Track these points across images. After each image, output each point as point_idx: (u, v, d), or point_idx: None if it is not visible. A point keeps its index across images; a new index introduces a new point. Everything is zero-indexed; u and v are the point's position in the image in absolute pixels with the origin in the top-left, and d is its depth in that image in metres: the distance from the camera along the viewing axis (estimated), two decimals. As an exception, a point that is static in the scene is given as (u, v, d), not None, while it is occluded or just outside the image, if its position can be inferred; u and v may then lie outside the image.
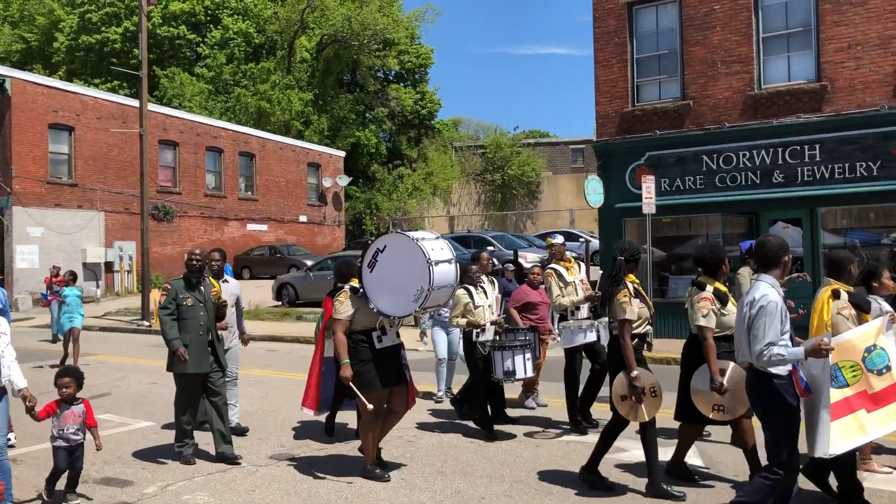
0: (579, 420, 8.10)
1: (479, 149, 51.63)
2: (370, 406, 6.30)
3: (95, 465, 7.00)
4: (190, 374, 6.99)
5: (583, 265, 8.84)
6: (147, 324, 20.02)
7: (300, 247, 33.27)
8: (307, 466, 6.93)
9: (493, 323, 7.94)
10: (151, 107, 30.24)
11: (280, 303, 22.24)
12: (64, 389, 5.91)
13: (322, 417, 8.08)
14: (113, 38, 43.66)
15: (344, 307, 6.48)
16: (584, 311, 8.24)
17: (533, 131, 65.99)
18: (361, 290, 6.49)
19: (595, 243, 30.75)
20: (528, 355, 7.78)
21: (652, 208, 14.42)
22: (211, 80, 42.37)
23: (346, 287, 6.69)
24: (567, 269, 8.29)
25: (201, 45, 44.81)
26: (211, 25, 45.46)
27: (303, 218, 37.38)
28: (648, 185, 14.42)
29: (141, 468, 6.96)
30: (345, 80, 49.05)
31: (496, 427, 8.00)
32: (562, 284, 8.20)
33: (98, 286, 28.19)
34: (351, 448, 7.52)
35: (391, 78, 52.10)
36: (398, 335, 6.71)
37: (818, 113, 14.18)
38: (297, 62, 44.28)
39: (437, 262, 6.30)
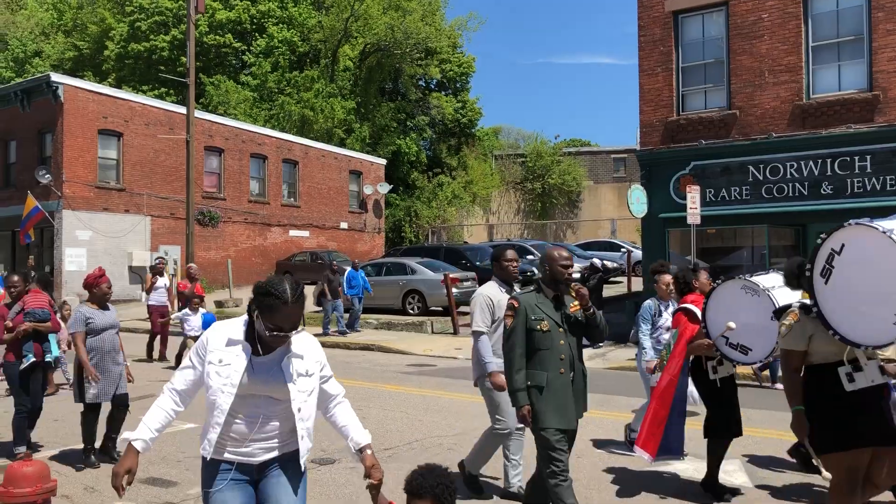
0: None
1: (520, 157, 51.62)
2: (833, 475, 4.46)
3: (140, 465, 7.09)
4: None
5: None
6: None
7: (340, 253, 33.49)
8: (347, 472, 6.95)
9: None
10: (198, 114, 30.78)
11: (320, 308, 22.37)
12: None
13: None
14: (161, 45, 44.57)
15: (795, 334, 4.59)
16: None
17: (574, 140, 65.78)
18: (815, 308, 4.48)
19: (637, 254, 30.45)
20: None
21: (697, 219, 14.23)
22: (256, 88, 42.98)
23: (795, 305, 4.77)
24: None
25: (247, 53, 45.52)
26: (256, 34, 46.16)
27: (344, 225, 37.67)
28: (693, 196, 14.24)
29: (185, 469, 7.04)
30: (387, 88, 49.41)
31: None
32: None
33: (143, 289, 28.67)
34: (392, 454, 7.52)
35: (433, 86, 52.35)
36: (881, 371, 4.55)
37: (869, 123, 13.87)
38: (340, 70, 44.74)
39: None
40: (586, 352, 15.02)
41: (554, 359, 4.83)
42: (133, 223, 28.32)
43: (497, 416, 5.93)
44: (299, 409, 3.39)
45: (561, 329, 4.88)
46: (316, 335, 17.40)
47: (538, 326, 4.84)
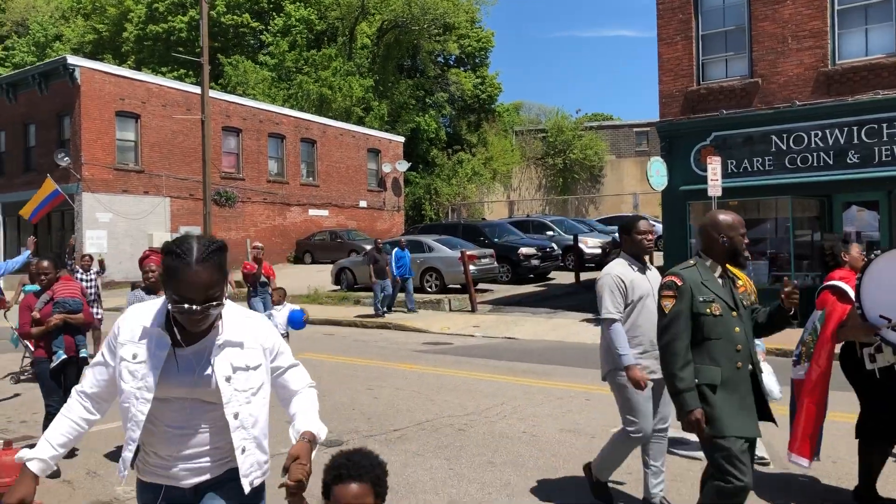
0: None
1: (540, 133, 51.06)
2: None
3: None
4: None
5: None
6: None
7: (360, 232, 33.42)
8: (355, 453, 6.81)
9: None
10: (214, 94, 30.70)
11: (338, 287, 22.32)
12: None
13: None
14: (179, 27, 44.49)
15: None
16: None
17: (596, 115, 64.93)
18: None
19: (658, 228, 30.09)
20: None
21: (718, 191, 13.86)
22: (274, 68, 42.82)
23: None
24: None
25: (264, 32, 45.31)
26: (274, 13, 45.93)
27: (363, 203, 37.56)
28: (714, 167, 13.86)
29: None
30: (405, 65, 49.00)
31: None
32: None
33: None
34: (401, 434, 7.37)
35: (451, 63, 51.83)
36: None
37: (898, 89, 13.38)
38: (358, 48, 44.41)
39: None
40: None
41: (729, 350, 3.93)
42: (153, 205, 28.39)
43: (630, 418, 5.07)
44: (236, 415, 2.61)
45: (735, 313, 3.99)
46: (364, 316, 17.35)
47: (708, 310, 3.93)
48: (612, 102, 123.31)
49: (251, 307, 12.32)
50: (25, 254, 9.71)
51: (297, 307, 10.13)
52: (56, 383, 6.61)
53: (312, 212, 34.58)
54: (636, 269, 5.10)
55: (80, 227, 26.34)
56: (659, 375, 4.72)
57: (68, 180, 25.81)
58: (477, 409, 8.45)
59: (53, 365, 6.53)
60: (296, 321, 9.93)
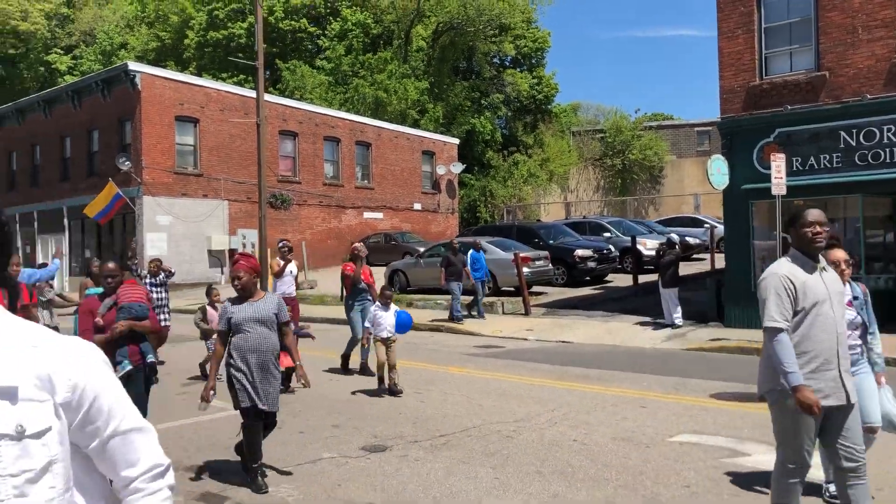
0: None
1: (598, 133, 50.32)
2: None
3: (188, 452, 6.94)
4: None
5: None
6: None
7: (414, 234, 33.32)
8: (398, 460, 6.60)
9: None
10: (271, 98, 31.02)
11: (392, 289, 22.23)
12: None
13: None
14: (238, 33, 45.19)
15: None
16: None
17: (656, 114, 63.75)
18: None
19: (721, 229, 29.14)
20: None
21: (782, 189, 13.24)
22: (330, 72, 43.12)
23: None
24: None
25: (321, 37, 45.69)
26: (330, 18, 46.27)
27: (417, 206, 37.50)
28: (778, 165, 13.25)
29: (233, 456, 6.83)
30: (460, 67, 48.84)
31: None
32: None
33: (222, 272, 29.21)
34: (446, 441, 7.14)
35: (507, 63, 51.48)
36: None
37: (978, 80, 12.58)
38: (414, 51, 44.43)
39: None
40: (662, 333, 14.30)
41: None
42: (211, 207, 28.79)
43: (786, 449, 4.24)
44: None
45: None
46: (438, 321, 16.75)
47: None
48: (672, 102, 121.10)
49: (350, 319, 11.17)
50: (55, 264, 9.81)
51: (402, 309, 10.13)
52: None
53: (367, 214, 34.65)
54: (808, 269, 4.21)
55: (141, 230, 26.85)
56: (834, 401, 4.07)
57: (129, 184, 26.37)
58: (527, 416, 8.16)
59: (118, 375, 6.11)
60: (405, 324, 9.88)
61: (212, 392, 5.90)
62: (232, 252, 29.49)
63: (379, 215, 35.14)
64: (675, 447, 6.89)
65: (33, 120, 32.46)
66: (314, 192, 32.38)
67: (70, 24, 60.00)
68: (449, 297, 17.14)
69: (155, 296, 11.54)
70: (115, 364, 5.72)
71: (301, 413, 8.44)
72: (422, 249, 24.46)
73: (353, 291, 11.23)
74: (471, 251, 17.46)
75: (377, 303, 9.90)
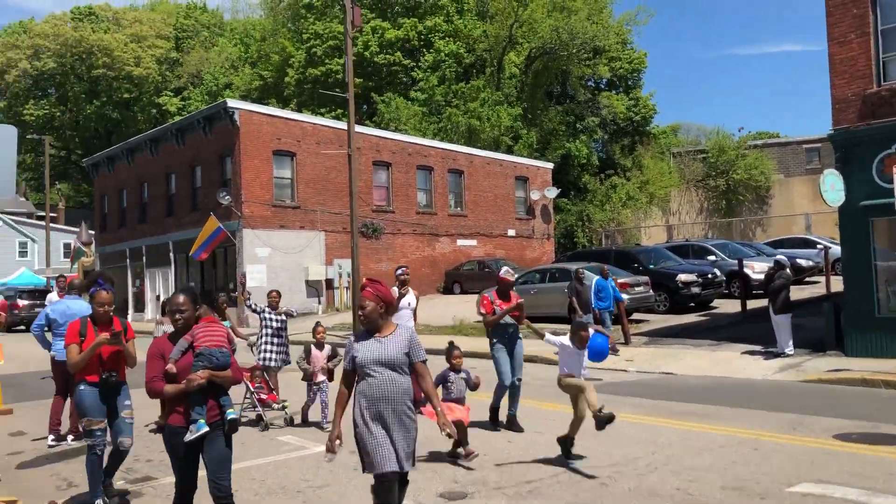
0: None
1: (700, 154, 48.56)
2: None
3: (258, 495, 6.61)
4: None
5: None
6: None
7: (508, 261, 32.75)
8: (480, 508, 6.05)
9: None
10: (364, 129, 31.37)
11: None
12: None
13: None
14: (335, 69, 46.19)
15: None
16: None
17: (761, 133, 61.27)
18: None
19: (836, 250, 27.31)
20: None
21: (908, 205, 12.03)
22: (424, 103, 43.38)
23: None
24: None
25: (415, 69, 46.12)
26: (424, 50, 46.70)
27: (511, 232, 36.98)
28: (902, 178, 12.05)
29: (301, 502, 6.44)
30: (554, 92, 48.30)
31: None
32: None
33: (319, 302, 29.48)
34: (533, 488, 6.54)
35: (602, 86, 50.62)
36: None
37: None
38: (507, 78, 44.22)
39: None
40: (774, 363, 13.20)
41: None
42: (308, 239, 29.15)
43: None
44: None
45: None
46: (532, 352, 16.40)
47: None
48: (777, 121, 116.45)
49: (494, 360, 9.17)
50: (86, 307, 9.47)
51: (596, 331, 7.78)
52: (192, 461, 4.86)
53: (461, 241, 34.38)
54: None
55: (241, 261, 27.41)
56: None
57: (230, 217, 27.01)
58: (624, 459, 7.46)
59: (190, 438, 4.73)
60: (600, 352, 7.65)
61: (338, 442, 4.74)
62: (329, 282, 29.76)
63: (473, 242, 34.81)
64: (795, 500, 6.06)
65: (142, 159, 33.92)
66: (408, 221, 32.38)
67: (179, 67, 63.05)
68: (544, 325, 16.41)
69: (274, 332, 10.55)
70: (190, 422, 4.77)
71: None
72: (515, 276, 23.85)
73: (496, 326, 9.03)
74: (596, 278, 16.51)
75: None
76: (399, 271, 10.61)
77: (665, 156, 50.15)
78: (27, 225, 54.97)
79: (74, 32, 59.28)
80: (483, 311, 9.03)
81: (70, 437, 9.16)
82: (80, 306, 9.07)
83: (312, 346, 9.74)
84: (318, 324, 10.06)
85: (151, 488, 6.98)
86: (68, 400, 9.19)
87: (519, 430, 8.91)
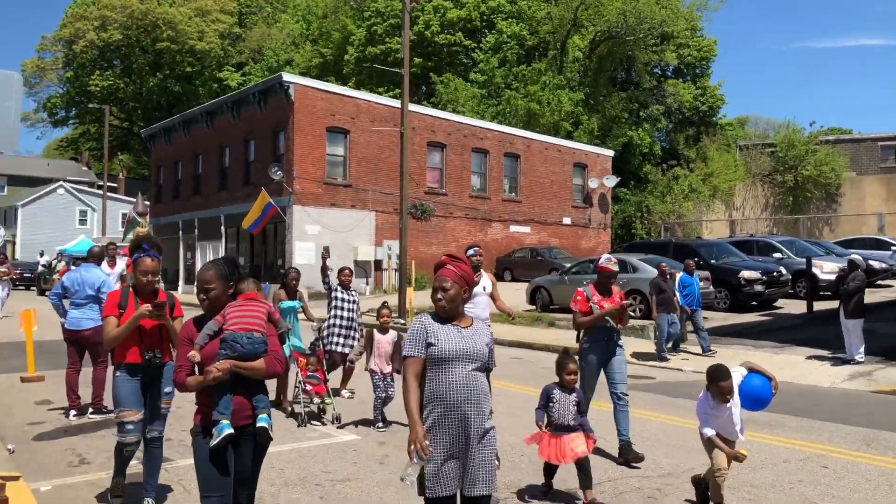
0: None
1: (768, 147, 46.76)
2: None
3: (274, 486, 6.11)
4: None
5: None
6: (402, 321, 19.84)
7: (562, 250, 31.92)
8: (511, 518, 5.43)
9: None
10: (420, 108, 30.80)
11: (533, 307, 21.03)
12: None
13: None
14: (395, 47, 45.71)
15: None
16: None
17: (833, 129, 58.86)
18: None
19: (913, 252, 25.77)
20: None
21: None
22: (483, 84, 42.62)
23: None
24: None
25: (476, 50, 45.34)
26: (486, 30, 45.87)
27: (566, 220, 36.03)
28: None
29: (319, 497, 5.91)
30: (618, 77, 47.03)
31: None
32: None
33: (367, 283, 29.12)
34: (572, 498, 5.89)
35: (668, 73, 49.13)
36: None
37: None
38: (569, 62, 43.11)
39: None
40: (843, 370, 12.24)
41: None
42: (358, 218, 28.77)
43: None
44: None
45: None
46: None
47: None
48: (852, 118, 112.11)
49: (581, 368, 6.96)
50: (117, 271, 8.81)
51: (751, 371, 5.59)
52: (220, 469, 3.91)
53: (514, 228, 33.60)
54: None
55: (290, 238, 27.18)
56: None
57: (281, 193, 26.79)
58: (676, 470, 6.75)
59: (213, 443, 3.84)
60: (759, 399, 5.51)
61: (427, 443, 3.66)
62: (377, 263, 29.37)
63: (526, 229, 34.01)
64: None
65: (197, 131, 33.97)
66: (460, 205, 31.76)
67: (241, 42, 63.42)
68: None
69: (346, 314, 9.58)
70: (212, 423, 3.89)
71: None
72: (567, 265, 23.06)
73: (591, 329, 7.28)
74: (681, 274, 14.88)
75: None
76: (471, 251, 8.40)
77: (731, 148, 48.48)
78: (88, 194, 56.10)
79: (141, 5, 60.02)
80: (577, 308, 7.27)
81: (90, 411, 8.83)
82: (94, 276, 8.78)
83: (375, 332, 8.50)
84: (384, 305, 8.70)
85: (165, 471, 6.54)
86: (82, 371, 8.91)
87: (636, 459, 6.95)
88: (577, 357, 6.37)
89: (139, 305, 5.39)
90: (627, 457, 6.93)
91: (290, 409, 8.98)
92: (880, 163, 51.00)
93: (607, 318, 7.10)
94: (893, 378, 11.83)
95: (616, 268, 7.32)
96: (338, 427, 8.29)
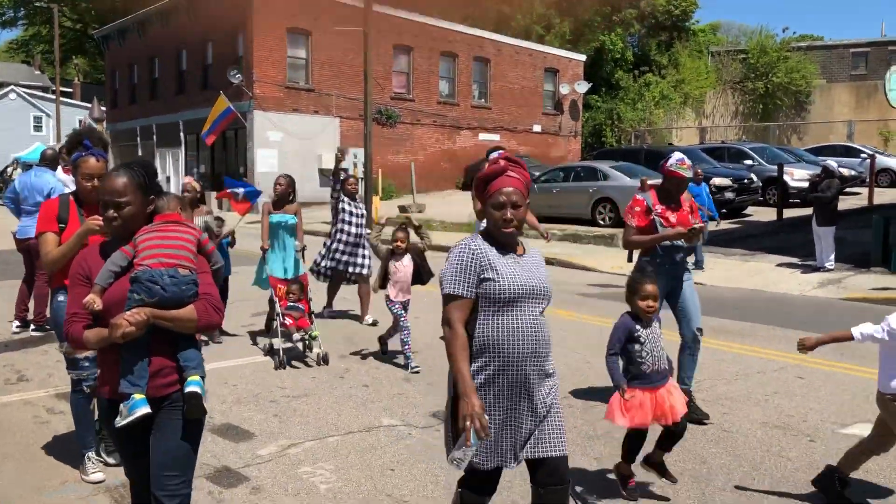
0: None
1: (740, 54, 45.99)
2: None
3: (226, 404, 5.75)
4: None
5: None
6: (368, 231, 19.38)
7: (533, 158, 31.37)
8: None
9: None
10: (385, 9, 29.42)
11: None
12: None
13: None
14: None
15: None
16: None
17: (804, 35, 58.00)
18: None
19: (883, 160, 25.83)
20: None
21: None
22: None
23: None
24: None
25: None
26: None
27: (536, 128, 35.36)
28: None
29: (273, 415, 5.57)
30: (592, -21, 45.51)
31: None
32: None
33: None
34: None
35: (643, -25, 47.58)
36: None
37: None
38: (541, -39, 41.50)
39: None
40: (813, 277, 12.11)
41: None
42: (323, 125, 27.87)
43: None
44: None
45: None
46: (551, 255, 15.22)
47: None
48: (826, 25, 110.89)
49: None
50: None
51: None
52: (130, 457, 3.06)
53: (483, 136, 32.86)
54: None
55: (252, 146, 26.30)
56: None
57: (241, 98, 25.71)
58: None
59: (122, 423, 2.82)
60: None
61: (487, 419, 2.84)
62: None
63: (495, 137, 33.30)
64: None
65: (153, 33, 32.30)
66: (427, 111, 30.90)
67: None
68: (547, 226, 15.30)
69: (353, 228, 8.64)
70: (122, 395, 2.83)
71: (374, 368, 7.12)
72: (537, 174, 22.60)
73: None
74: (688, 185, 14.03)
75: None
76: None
77: (703, 55, 47.60)
78: (42, 99, 53.78)
79: None
80: (633, 222, 5.58)
81: (32, 328, 8.31)
82: (43, 181, 7.94)
83: (392, 263, 7.01)
84: (400, 227, 7.16)
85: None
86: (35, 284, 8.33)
87: (701, 417, 5.48)
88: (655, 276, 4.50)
89: (84, 218, 4.14)
90: (691, 415, 4.99)
91: (267, 345, 7.52)
92: (851, 70, 50.60)
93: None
94: (863, 285, 11.76)
95: (689, 174, 5.61)
96: (324, 363, 7.00)
